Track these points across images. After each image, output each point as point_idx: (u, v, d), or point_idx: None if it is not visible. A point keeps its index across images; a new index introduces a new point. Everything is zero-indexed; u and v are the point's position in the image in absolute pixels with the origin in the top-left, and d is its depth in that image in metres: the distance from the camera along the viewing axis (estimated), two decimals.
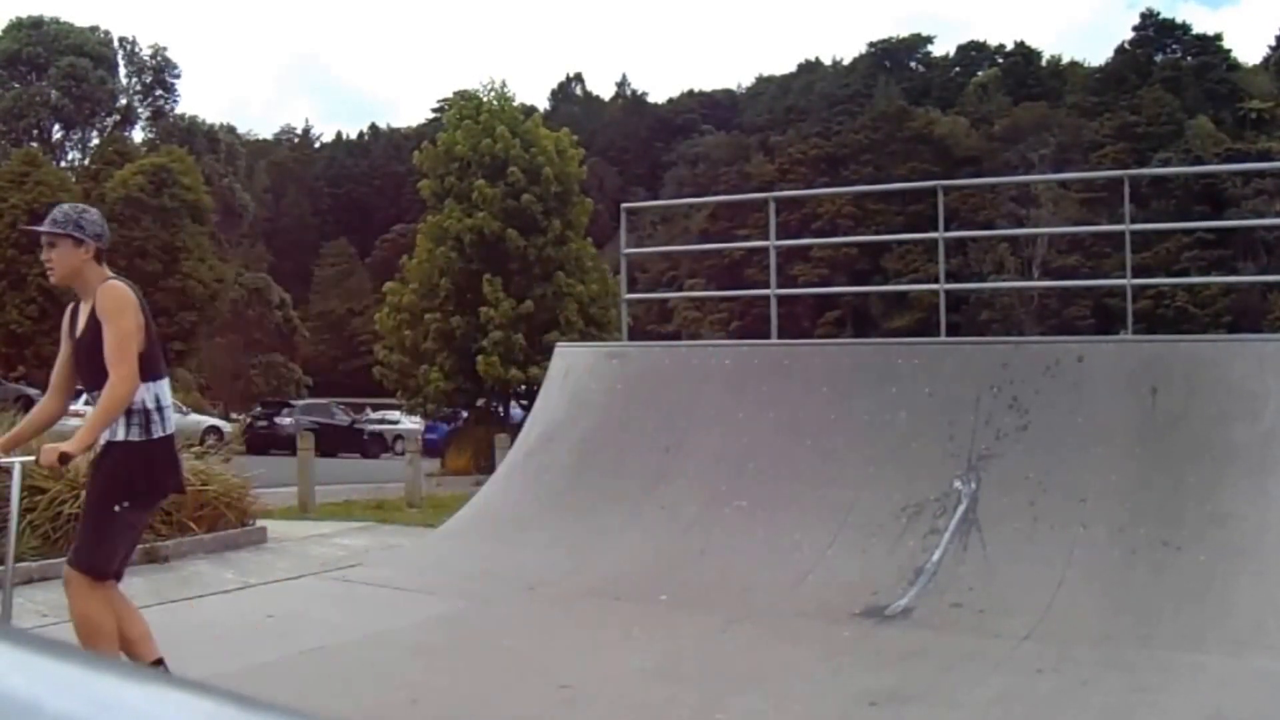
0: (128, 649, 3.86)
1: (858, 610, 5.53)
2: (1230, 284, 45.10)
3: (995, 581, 5.59)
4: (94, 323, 3.83)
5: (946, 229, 8.92)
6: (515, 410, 21.08)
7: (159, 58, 47.03)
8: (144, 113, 47.29)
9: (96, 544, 3.79)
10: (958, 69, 73.40)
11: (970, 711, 4.20)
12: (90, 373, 3.88)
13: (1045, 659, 4.69)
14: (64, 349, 4.02)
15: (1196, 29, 64.68)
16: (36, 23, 44.08)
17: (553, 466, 7.57)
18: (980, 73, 70.74)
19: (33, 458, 3.93)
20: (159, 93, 47.04)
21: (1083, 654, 4.74)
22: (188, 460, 8.10)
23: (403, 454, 17.66)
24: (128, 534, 3.91)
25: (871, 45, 76.56)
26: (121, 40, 46.81)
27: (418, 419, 28.87)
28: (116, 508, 3.77)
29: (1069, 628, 5.09)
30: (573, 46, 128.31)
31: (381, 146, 75.13)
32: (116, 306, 3.80)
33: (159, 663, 3.88)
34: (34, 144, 39.66)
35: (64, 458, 3.73)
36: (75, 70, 42.71)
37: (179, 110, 47.76)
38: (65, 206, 4.05)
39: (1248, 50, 72.85)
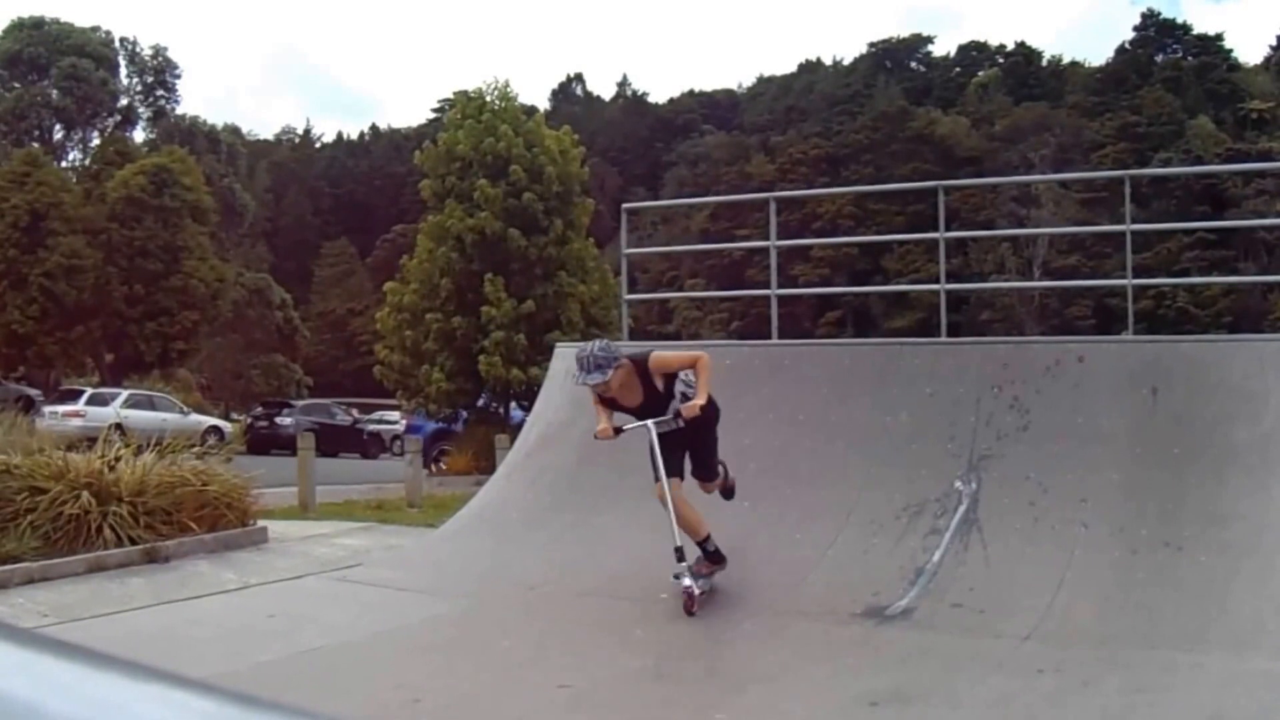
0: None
1: (858, 610, 5.53)
2: (1231, 284, 45.09)
3: (996, 581, 5.59)
4: (651, 382, 5.79)
5: (947, 229, 8.92)
6: (516, 412, 21.07)
7: (160, 58, 46.90)
8: (145, 113, 47.18)
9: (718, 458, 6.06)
10: (958, 69, 73.38)
11: (971, 712, 4.20)
12: (664, 404, 5.82)
13: (1046, 659, 4.69)
14: (608, 413, 5.88)
15: (1198, 27, 64.78)
16: (38, 23, 44.00)
17: (553, 467, 7.56)
18: (981, 73, 70.74)
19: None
20: (160, 93, 46.92)
21: (1083, 654, 4.74)
22: (188, 460, 8.13)
23: (403, 454, 17.67)
24: None
25: (872, 45, 76.62)
26: (123, 41, 46.70)
27: (399, 418, 28.80)
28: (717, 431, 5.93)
29: (1070, 628, 5.08)
30: (573, 46, 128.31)
31: (382, 146, 75.10)
32: (664, 360, 5.89)
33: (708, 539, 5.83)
34: (35, 144, 39.59)
35: (702, 407, 5.63)
36: (76, 71, 42.63)
37: (180, 110, 47.75)
38: (596, 350, 5.69)
39: (1248, 50, 72.95)
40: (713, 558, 5.94)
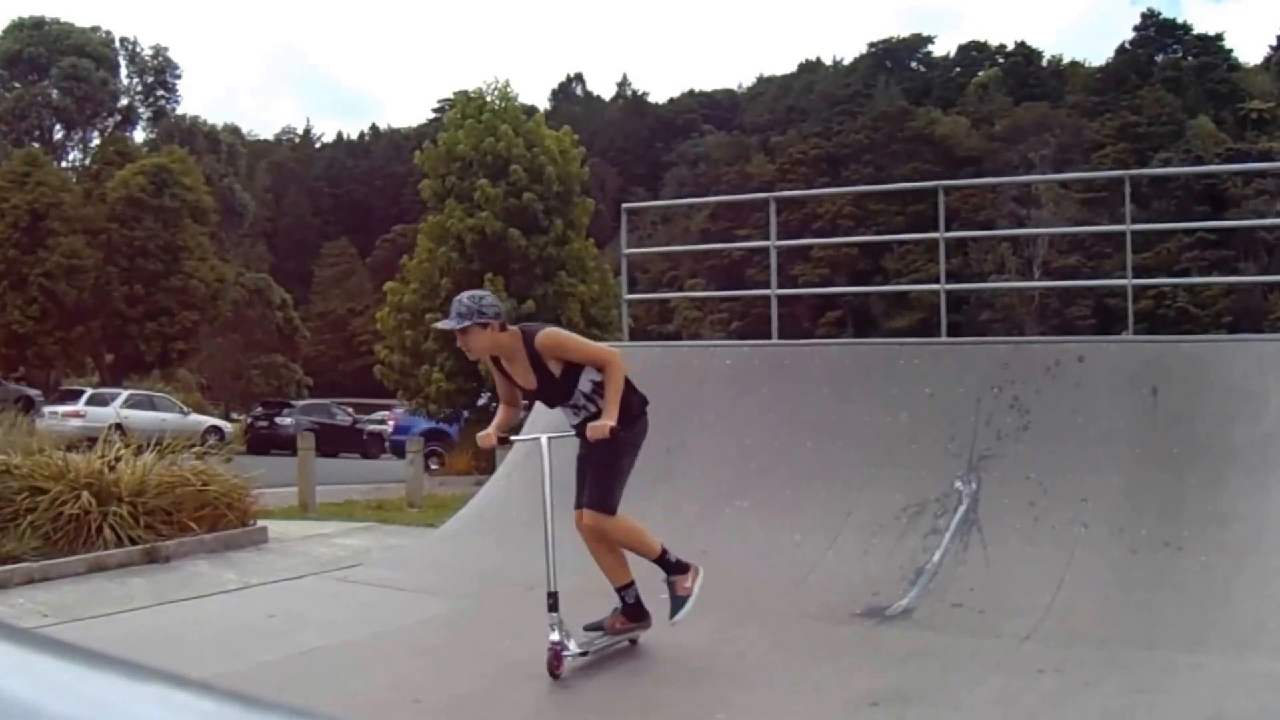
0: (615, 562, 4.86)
1: (859, 610, 5.53)
2: (1231, 284, 45.06)
3: (996, 581, 5.59)
4: (542, 364, 4.71)
5: (947, 229, 8.92)
6: None
7: (160, 58, 46.99)
8: (145, 113, 47.27)
9: (612, 490, 4.74)
10: (958, 69, 73.39)
11: (971, 712, 4.20)
12: (562, 396, 4.82)
13: (1046, 659, 4.69)
14: (508, 388, 4.96)
15: (1198, 27, 64.83)
16: (38, 23, 44.07)
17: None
18: (981, 73, 70.73)
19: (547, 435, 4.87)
20: (160, 93, 47.01)
21: (1083, 654, 4.74)
22: (188, 460, 8.13)
23: (403, 455, 17.67)
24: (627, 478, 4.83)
25: (872, 45, 76.65)
26: (123, 41, 46.80)
27: (385, 417, 28.71)
28: (626, 460, 4.77)
29: (1070, 628, 5.08)
30: (573, 46, 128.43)
31: (382, 146, 75.12)
32: (558, 340, 4.78)
33: (630, 584, 4.88)
34: (35, 144, 39.64)
35: (611, 430, 4.53)
36: (77, 71, 42.70)
37: (180, 110, 47.80)
38: (464, 298, 4.73)
39: (1248, 50, 72.98)
40: (631, 612, 4.90)
